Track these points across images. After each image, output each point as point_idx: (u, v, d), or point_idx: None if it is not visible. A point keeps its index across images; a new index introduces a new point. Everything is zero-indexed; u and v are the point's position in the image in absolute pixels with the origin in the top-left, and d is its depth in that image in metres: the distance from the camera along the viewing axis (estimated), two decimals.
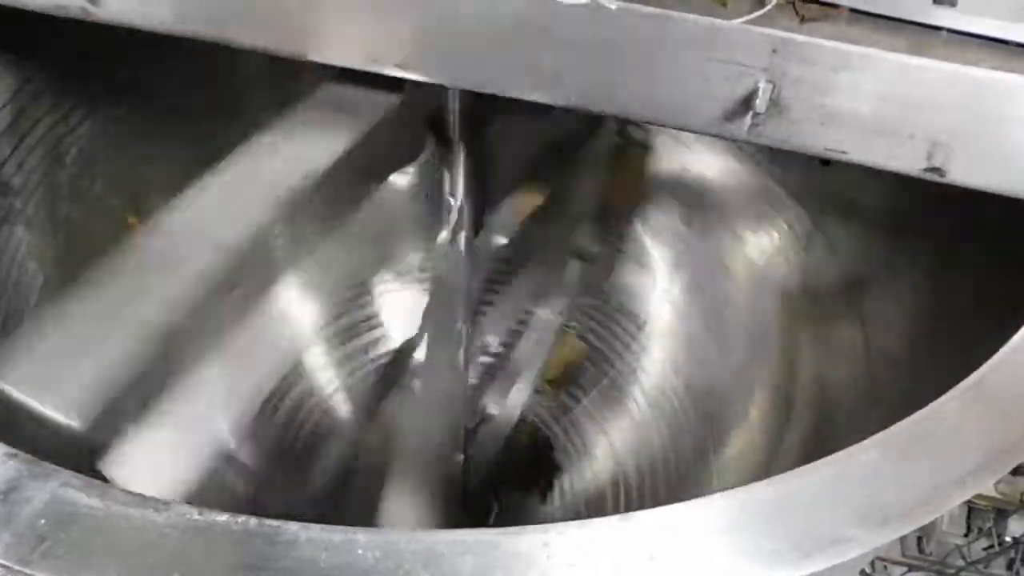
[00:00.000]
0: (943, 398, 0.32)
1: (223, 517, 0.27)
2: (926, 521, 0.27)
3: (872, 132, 0.38)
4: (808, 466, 0.29)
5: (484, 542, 0.27)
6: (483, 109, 0.56)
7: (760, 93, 0.38)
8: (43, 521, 0.27)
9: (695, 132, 0.40)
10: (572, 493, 1.00)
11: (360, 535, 0.27)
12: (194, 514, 0.27)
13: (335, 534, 0.27)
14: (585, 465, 1.04)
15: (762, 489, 0.28)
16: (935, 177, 0.39)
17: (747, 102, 0.38)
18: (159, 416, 0.45)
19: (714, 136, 0.39)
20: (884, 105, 0.37)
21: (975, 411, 0.31)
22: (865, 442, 0.30)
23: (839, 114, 0.38)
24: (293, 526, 0.27)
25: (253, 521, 0.27)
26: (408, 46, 0.42)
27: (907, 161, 0.39)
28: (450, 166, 0.60)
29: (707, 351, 0.96)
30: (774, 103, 0.38)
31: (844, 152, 0.39)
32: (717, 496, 0.28)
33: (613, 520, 0.27)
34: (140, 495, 0.28)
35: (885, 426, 0.58)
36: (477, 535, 0.27)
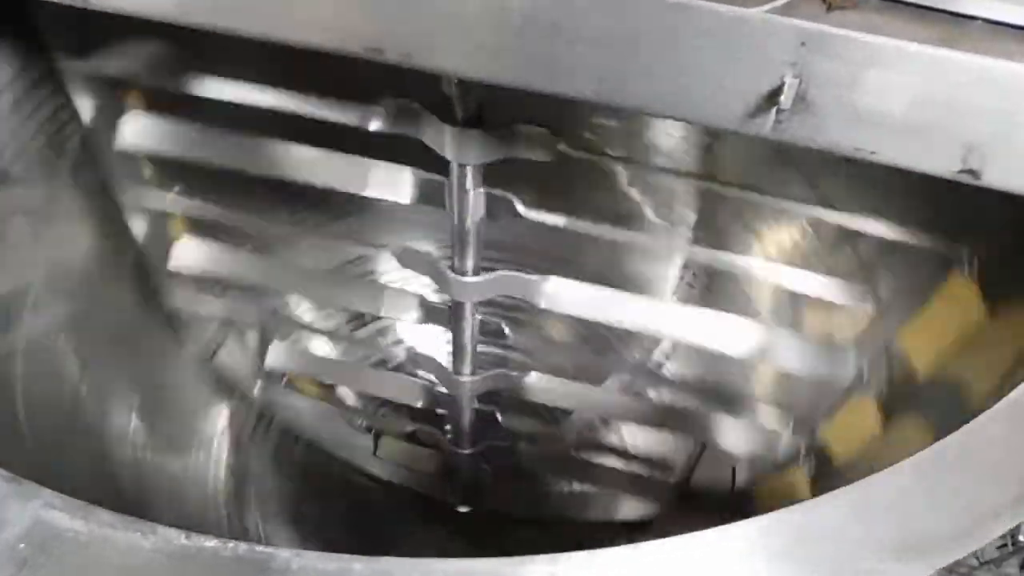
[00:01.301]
0: (980, 418, 0.30)
1: (212, 542, 0.26)
2: (962, 555, 0.26)
3: (903, 131, 0.36)
4: (837, 491, 0.27)
5: (487, 571, 0.25)
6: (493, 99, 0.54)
7: (786, 88, 0.35)
8: (24, 545, 0.26)
9: (716, 128, 0.38)
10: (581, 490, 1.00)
11: (356, 564, 0.25)
12: (182, 538, 0.26)
13: (329, 562, 0.25)
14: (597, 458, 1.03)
15: (785, 517, 0.27)
16: (970, 180, 0.36)
17: (772, 97, 0.36)
18: None
19: (737, 133, 0.37)
20: (917, 102, 0.34)
21: (1015, 432, 0.29)
22: (897, 466, 0.28)
23: (869, 111, 0.35)
24: (285, 552, 0.25)
25: (243, 547, 0.26)
26: (412, 35, 0.40)
27: (940, 162, 0.37)
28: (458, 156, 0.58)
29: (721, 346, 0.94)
30: (800, 99, 0.36)
31: (873, 152, 0.37)
32: (736, 525, 0.26)
33: (624, 550, 0.26)
34: (126, 517, 0.27)
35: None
36: (480, 564, 0.25)
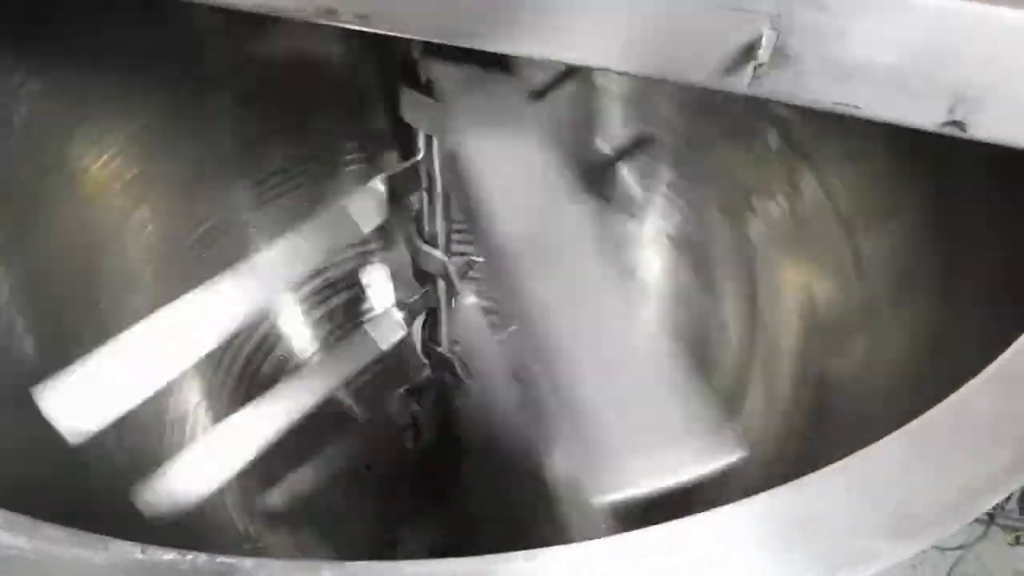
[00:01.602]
0: (973, 383, 0.29)
1: (169, 555, 0.24)
2: (957, 528, 0.25)
3: (889, 83, 0.34)
4: (826, 469, 0.26)
5: (465, 574, 0.24)
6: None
7: (764, 42, 0.33)
8: None
9: (690, 86, 0.35)
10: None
11: (325, 571, 0.24)
12: (137, 553, 0.24)
13: (297, 570, 0.24)
14: None
15: (774, 498, 0.25)
16: (955, 132, 0.35)
17: (749, 52, 0.34)
18: None
19: (712, 90, 0.35)
20: (906, 53, 0.33)
21: (1006, 396, 0.28)
22: (887, 439, 0.27)
23: (854, 64, 0.33)
24: (248, 563, 0.24)
25: (203, 558, 0.24)
26: None
27: (925, 115, 0.35)
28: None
29: (697, 300, 0.94)
30: (779, 53, 0.34)
31: (856, 107, 0.35)
32: (723, 509, 0.25)
33: (608, 542, 0.24)
34: (76, 532, 0.25)
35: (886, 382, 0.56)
36: (456, 566, 0.24)
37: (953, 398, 0.28)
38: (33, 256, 0.70)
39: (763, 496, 0.26)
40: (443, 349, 0.78)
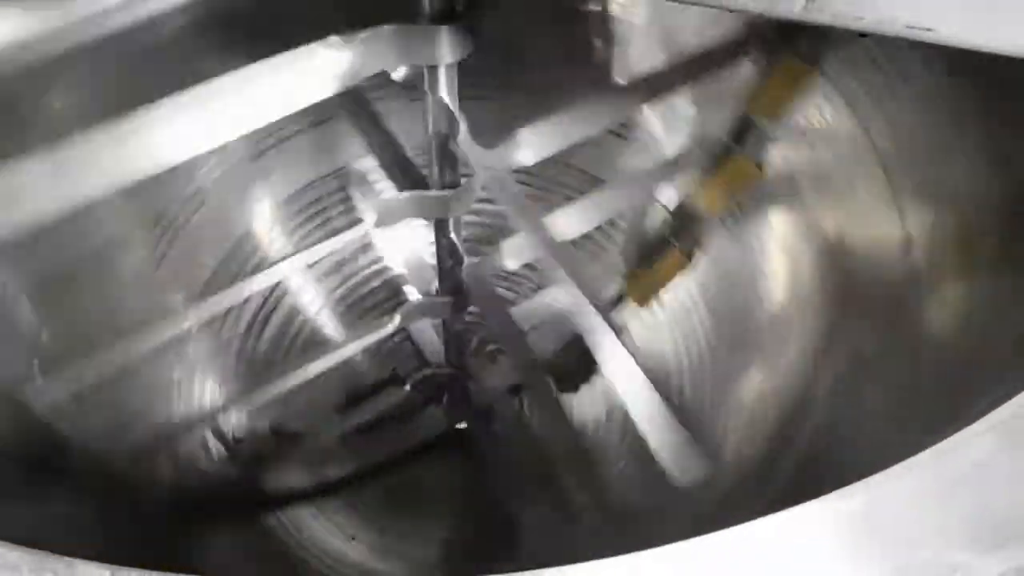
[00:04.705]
0: None
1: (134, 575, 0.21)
2: None
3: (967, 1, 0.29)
4: (901, 465, 0.22)
5: None
6: None
7: None
8: None
9: (742, 11, 0.30)
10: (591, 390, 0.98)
11: None
12: (105, 574, 0.21)
13: None
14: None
15: (840, 500, 0.22)
16: None
17: None
18: None
19: (764, 15, 0.30)
20: None
21: None
22: (973, 427, 0.23)
23: None
24: None
25: None
26: None
27: (1009, 38, 0.30)
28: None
29: (722, 243, 0.89)
30: None
31: (929, 29, 0.30)
32: (783, 514, 0.22)
33: (639, 556, 0.21)
34: (37, 553, 0.21)
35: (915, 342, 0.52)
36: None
37: None
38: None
39: (821, 500, 0.22)
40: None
